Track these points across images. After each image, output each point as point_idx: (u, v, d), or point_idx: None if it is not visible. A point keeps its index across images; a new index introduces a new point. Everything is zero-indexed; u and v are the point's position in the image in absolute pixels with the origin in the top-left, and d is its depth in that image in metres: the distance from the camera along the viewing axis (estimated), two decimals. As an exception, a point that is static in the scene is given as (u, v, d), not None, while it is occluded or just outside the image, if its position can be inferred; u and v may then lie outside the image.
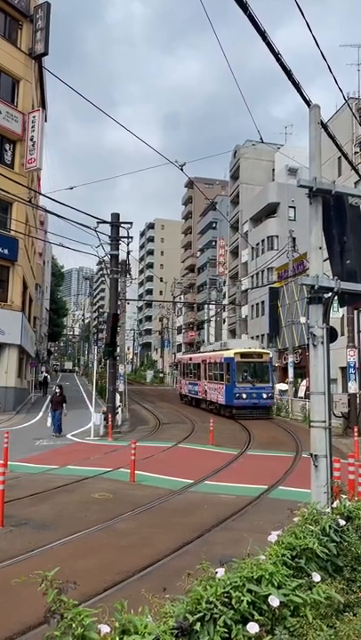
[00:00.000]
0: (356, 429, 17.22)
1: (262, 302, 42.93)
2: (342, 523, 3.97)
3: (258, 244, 46.39)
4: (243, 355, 26.57)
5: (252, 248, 46.51)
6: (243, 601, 2.61)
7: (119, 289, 25.29)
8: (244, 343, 32.53)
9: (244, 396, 25.38)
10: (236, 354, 26.44)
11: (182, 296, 70.29)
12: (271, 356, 27.89)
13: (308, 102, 7.19)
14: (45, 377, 42.02)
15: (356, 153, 29.77)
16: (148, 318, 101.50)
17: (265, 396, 25.83)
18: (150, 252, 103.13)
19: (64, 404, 19.51)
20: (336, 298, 6.41)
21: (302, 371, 30.77)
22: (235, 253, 56.20)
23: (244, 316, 49.55)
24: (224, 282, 56.47)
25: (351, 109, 25.86)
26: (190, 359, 36.23)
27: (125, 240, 23.85)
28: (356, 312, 21.08)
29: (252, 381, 25.83)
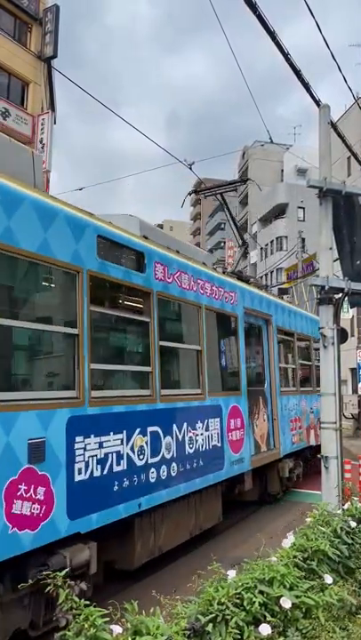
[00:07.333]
0: (366, 431, 17.15)
1: (271, 303, 42.70)
2: (354, 524, 3.95)
3: (267, 245, 46.32)
4: None
5: (261, 249, 46.43)
6: (254, 602, 2.60)
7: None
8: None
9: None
10: None
11: (191, 297, 70.07)
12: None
13: (317, 102, 7.16)
14: None
15: (365, 153, 29.61)
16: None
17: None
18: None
19: None
20: (346, 298, 6.39)
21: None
22: (244, 254, 56.12)
23: (253, 317, 49.38)
24: (233, 283, 56.32)
25: (361, 109, 25.75)
26: None
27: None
28: (366, 313, 20.98)
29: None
